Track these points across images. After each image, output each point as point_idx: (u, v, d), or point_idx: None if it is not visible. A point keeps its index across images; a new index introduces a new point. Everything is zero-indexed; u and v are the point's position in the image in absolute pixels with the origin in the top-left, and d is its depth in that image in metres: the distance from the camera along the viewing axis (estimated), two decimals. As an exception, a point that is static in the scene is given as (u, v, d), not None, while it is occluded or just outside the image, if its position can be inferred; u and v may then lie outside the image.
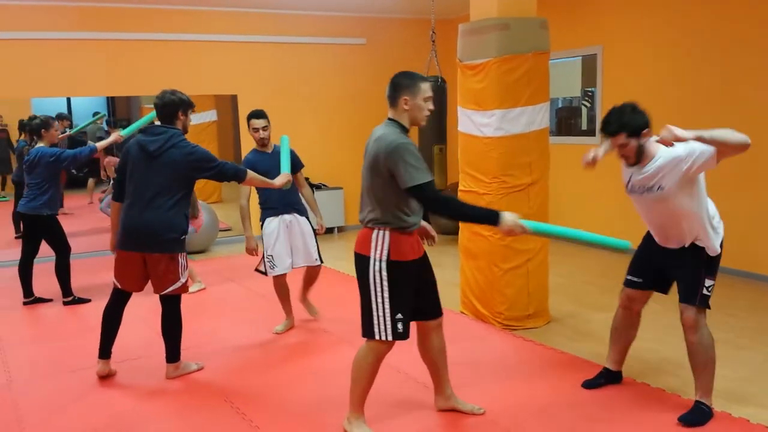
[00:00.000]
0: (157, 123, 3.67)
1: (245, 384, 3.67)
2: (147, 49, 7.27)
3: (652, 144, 2.97)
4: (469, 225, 4.53)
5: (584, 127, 7.17)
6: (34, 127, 5.10)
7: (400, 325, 2.81)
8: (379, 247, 2.79)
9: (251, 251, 4.29)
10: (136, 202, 3.53)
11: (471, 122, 4.47)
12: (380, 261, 2.78)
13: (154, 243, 3.51)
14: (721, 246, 3.07)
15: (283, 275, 4.40)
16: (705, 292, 3.00)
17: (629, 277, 3.34)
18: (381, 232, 2.79)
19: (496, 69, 4.27)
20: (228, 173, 3.61)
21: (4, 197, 8.65)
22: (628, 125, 2.91)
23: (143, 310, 4.65)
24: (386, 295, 2.79)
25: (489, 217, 2.78)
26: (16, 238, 5.73)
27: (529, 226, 2.76)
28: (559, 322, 4.58)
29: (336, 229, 8.28)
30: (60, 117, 8.71)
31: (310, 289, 4.72)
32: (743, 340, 4.12)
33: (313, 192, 5.23)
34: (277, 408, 3.34)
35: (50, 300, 5.37)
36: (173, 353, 3.74)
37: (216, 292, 5.71)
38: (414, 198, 2.76)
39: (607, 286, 3.90)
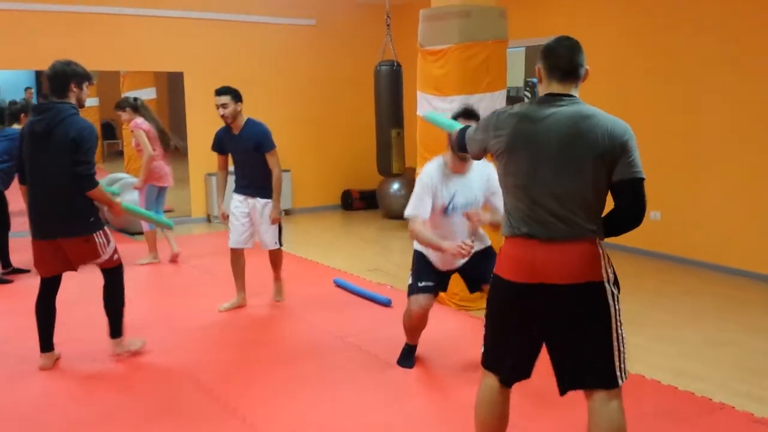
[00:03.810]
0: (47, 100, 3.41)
1: (205, 360, 3.65)
2: (85, 22, 6.97)
3: None
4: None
5: (528, 116, 7.38)
6: (15, 111, 5.37)
7: None
8: (609, 267, 2.13)
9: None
10: (37, 189, 3.35)
11: (431, 107, 4.53)
12: (614, 284, 2.13)
13: (62, 230, 3.34)
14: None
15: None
16: None
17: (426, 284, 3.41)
18: (601, 248, 2.13)
19: (457, 55, 4.35)
20: (88, 173, 3.28)
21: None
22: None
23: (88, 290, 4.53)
24: (623, 326, 2.16)
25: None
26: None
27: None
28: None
29: (283, 212, 8.23)
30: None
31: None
32: (680, 322, 4.39)
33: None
34: (244, 383, 3.35)
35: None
36: (116, 328, 3.61)
37: (164, 271, 5.61)
38: (623, 193, 2.07)
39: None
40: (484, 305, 3.91)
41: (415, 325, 3.45)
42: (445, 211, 3.26)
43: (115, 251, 3.53)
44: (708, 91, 5.57)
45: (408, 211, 3.24)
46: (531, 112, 2.14)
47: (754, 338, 4.09)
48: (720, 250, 5.62)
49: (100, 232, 3.42)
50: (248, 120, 4.38)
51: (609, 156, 2.03)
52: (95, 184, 3.32)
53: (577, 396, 2.25)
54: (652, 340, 4.02)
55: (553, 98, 2.13)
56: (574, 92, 2.14)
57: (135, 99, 5.72)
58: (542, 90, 2.19)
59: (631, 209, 2.09)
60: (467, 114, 3.22)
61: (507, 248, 2.21)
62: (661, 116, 5.89)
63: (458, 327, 4.28)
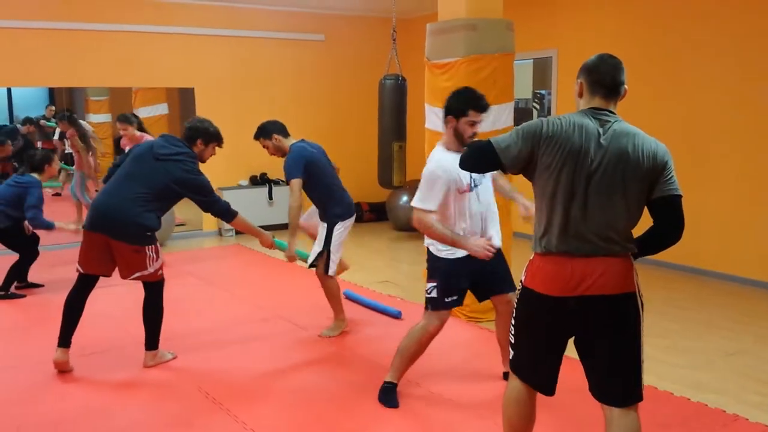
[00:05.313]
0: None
1: (219, 374, 3.66)
2: (98, 39, 7.08)
3: None
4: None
5: (537, 128, 7.40)
6: (36, 163, 5.19)
7: None
8: (637, 278, 2.17)
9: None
10: (117, 189, 3.58)
11: (439, 119, 4.54)
12: (641, 295, 2.17)
13: (119, 231, 3.51)
14: None
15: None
16: None
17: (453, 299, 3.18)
18: (632, 260, 2.17)
19: (464, 68, 4.37)
20: (217, 210, 3.74)
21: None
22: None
23: (109, 305, 4.56)
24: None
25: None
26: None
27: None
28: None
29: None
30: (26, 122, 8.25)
31: None
32: (690, 332, 4.36)
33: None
34: (253, 397, 3.36)
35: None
36: (152, 341, 3.73)
37: (175, 284, 5.63)
38: (662, 209, 2.12)
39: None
40: (494, 317, 3.97)
41: (425, 343, 3.20)
42: (471, 188, 3.06)
43: (161, 267, 3.68)
44: (714, 101, 5.58)
45: (419, 204, 2.95)
46: (586, 124, 2.09)
47: (765, 348, 4.05)
48: (728, 260, 5.59)
49: (152, 246, 3.60)
50: (291, 146, 4.24)
51: (652, 176, 2.07)
52: (234, 213, 3.76)
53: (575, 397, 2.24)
54: (662, 351, 3.99)
55: (598, 112, 2.12)
56: (614, 108, 2.15)
57: (135, 115, 5.98)
58: (583, 105, 2.18)
59: (670, 226, 2.14)
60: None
61: (541, 263, 2.17)
62: (663, 124, 5.88)
63: (470, 339, 4.26)
